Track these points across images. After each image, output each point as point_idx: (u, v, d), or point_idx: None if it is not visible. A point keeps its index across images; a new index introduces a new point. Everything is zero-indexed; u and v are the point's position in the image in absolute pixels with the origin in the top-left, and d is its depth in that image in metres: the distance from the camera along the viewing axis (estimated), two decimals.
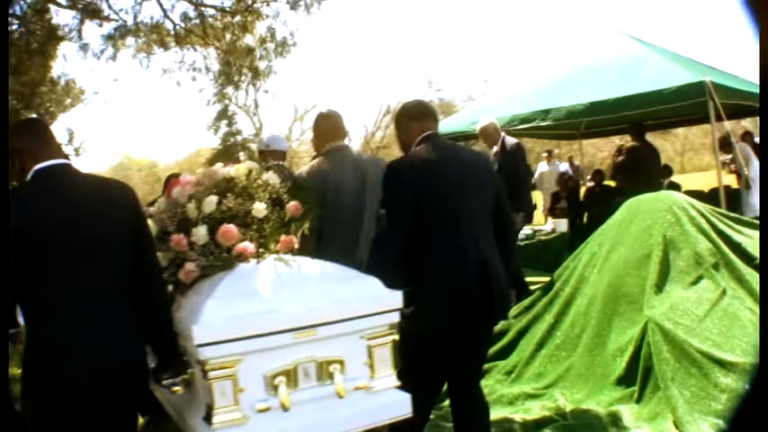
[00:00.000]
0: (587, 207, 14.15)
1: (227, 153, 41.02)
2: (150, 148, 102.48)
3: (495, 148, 9.43)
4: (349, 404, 3.39)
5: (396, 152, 4.74)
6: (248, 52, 18.69)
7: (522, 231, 10.83)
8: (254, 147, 42.49)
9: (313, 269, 3.64)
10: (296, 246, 3.86)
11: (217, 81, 22.19)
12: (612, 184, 14.43)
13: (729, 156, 12.56)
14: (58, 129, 23.30)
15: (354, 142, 42.35)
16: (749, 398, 2.30)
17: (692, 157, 49.08)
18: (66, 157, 3.59)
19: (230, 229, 3.64)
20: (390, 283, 3.60)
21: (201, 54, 19.48)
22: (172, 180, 4.60)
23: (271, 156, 6.25)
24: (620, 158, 11.61)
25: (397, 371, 3.66)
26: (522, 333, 6.72)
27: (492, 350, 6.63)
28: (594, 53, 13.02)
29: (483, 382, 6.07)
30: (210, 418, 3.19)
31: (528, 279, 9.50)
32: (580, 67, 12.64)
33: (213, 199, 3.77)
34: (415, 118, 4.44)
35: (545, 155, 20.31)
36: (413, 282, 3.90)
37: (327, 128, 5.26)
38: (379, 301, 3.51)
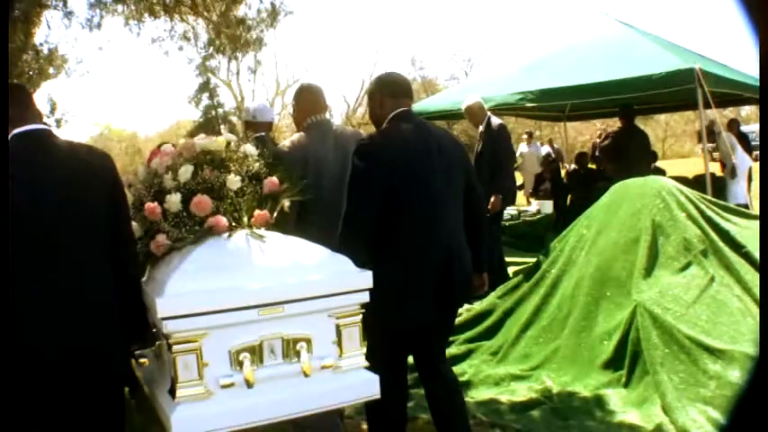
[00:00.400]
0: (570, 189, 14.14)
1: (208, 126, 40.84)
2: (131, 119, 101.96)
3: (481, 128, 9.36)
4: (315, 383, 3.34)
5: None
6: (239, 23, 18.52)
7: (506, 212, 10.82)
8: (235, 120, 42.35)
9: (284, 246, 3.58)
10: (271, 221, 3.79)
11: (207, 50, 21.98)
12: (594, 167, 14.47)
13: (712, 144, 12.58)
14: (41, 98, 22.97)
15: (336, 118, 42.19)
16: (749, 393, 2.28)
17: (673, 143, 49.38)
18: (45, 124, 3.53)
19: (203, 199, 3.58)
20: (361, 262, 3.57)
21: (191, 25, 19.28)
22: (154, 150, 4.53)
23: (257, 127, 6.14)
24: (605, 143, 11.60)
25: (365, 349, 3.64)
26: (507, 313, 6.69)
27: (477, 330, 6.66)
28: (582, 36, 13.01)
29: (468, 362, 6.14)
30: (174, 392, 3.16)
31: (512, 259, 9.53)
32: (567, 48, 12.60)
33: (189, 168, 3.71)
34: (391, 94, 4.36)
35: (525, 136, 20.28)
36: (380, 260, 3.85)
37: (308, 101, 5.13)
38: (348, 281, 3.46)
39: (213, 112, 45.25)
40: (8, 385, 3.01)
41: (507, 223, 11.30)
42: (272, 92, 46.55)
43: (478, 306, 7.05)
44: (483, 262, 4.57)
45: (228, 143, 3.92)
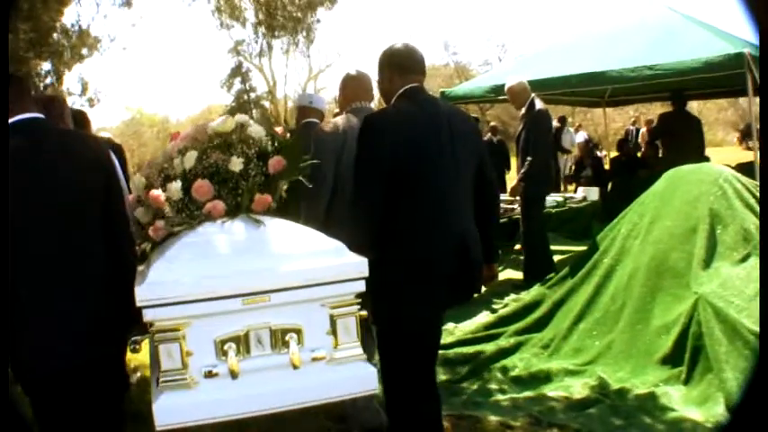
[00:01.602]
0: (612, 176, 13.94)
1: (240, 110, 41.00)
2: (163, 103, 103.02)
3: (523, 110, 9.10)
4: (305, 375, 3.22)
5: None
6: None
7: (552, 198, 10.61)
8: (267, 104, 42.43)
9: (279, 232, 3.47)
10: (273, 205, 3.70)
11: (255, 31, 22.01)
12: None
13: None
14: (72, 78, 22.86)
15: None
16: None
17: (706, 131, 48.71)
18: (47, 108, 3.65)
19: (204, 184, 3.54)
20: (368, 248, 3.41)
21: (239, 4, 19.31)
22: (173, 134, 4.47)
23: (310, 113, 6.06)
24: (653, 128, 11.41)
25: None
26: (557, 305, 6.49)
27: (526, 321, 6.48)
28: (627, 19, 12.74)
29: (518, 355, 6.05)
30: (158, 380, 3.13)
31: (558, 248, 9.28)
32: (611, 32, 12.35)
33: (193, 154, 3.66)
34: (399, 70, 4.09)
35: (557, 123, 20.07)
36: (383, 253, 3.66)
37: (354, 89, 5.13)
38: (341, 269, 3.31)
39: (245, 97, 45.42)
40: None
41: (553, 210, 11.10)
42: (304, 76, 46.49)
43: (526, 297, 6.87)
44: (494, 252, 4.38)
45: (242, 125, 3.81)
